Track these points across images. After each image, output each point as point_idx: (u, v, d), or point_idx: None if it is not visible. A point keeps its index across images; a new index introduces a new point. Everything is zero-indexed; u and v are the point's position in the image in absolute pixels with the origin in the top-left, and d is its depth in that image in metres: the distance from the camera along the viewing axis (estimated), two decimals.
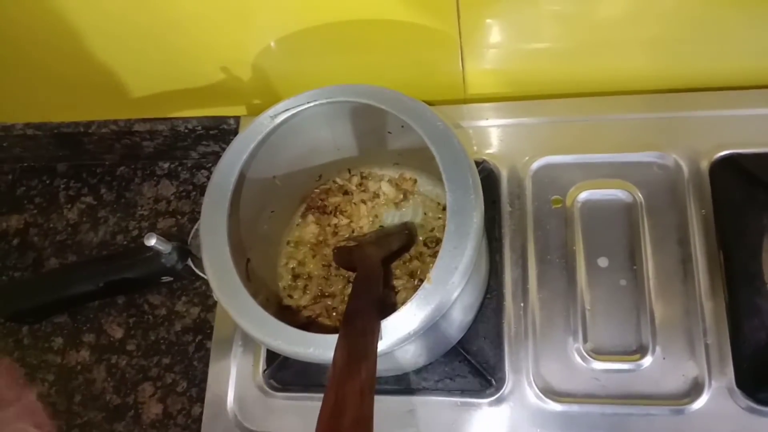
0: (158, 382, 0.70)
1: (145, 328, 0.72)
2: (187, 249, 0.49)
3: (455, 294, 0.42)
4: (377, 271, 0.51)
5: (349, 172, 0.63)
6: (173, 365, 0.70)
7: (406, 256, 0.59)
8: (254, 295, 0.52)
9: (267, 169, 0.54)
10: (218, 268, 0.46)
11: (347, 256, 0.57)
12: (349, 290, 0.58)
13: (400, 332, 0.41)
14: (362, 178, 0.63)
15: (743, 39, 0.58)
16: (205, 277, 0.46)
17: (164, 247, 0.47)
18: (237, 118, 0.72)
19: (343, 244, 0.59)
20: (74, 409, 0.70)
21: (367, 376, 0.37)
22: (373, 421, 0.34)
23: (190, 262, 0.49)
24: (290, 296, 0.60)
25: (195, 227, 0.48)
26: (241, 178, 0.50)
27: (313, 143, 0.57)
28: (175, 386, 0.69)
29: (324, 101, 0.50)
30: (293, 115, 0.51)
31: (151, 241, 0.46)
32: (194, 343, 0.71)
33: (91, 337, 0.73)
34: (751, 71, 0.61)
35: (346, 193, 0.63)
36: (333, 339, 0.41)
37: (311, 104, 0.50)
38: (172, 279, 0.50)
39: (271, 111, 0.51)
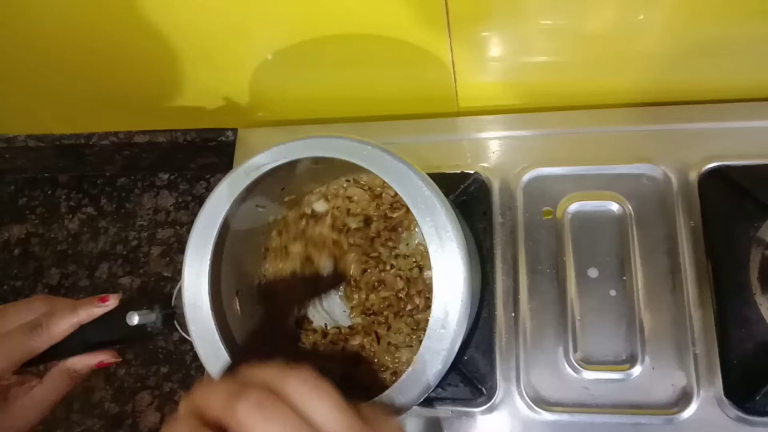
0: (156, 390, 0.71)
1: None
2: (171, 313, 0.49)
3: (444, 370, 0.42)
4: None
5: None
6: (171, 374, 0.71)
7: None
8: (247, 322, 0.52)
9: (248, 209, 0.53)
10: (202, 334, 0.47)
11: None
12: None
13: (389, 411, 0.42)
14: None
15: (733, 53, 0.59)
16: (190, 339, 0.47)
17: (148, 319, 0.48)
18: (235, 131, 0.73)
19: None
20: (73, 417, 0.71)
21: None
22: None
23: (176, 324, 0.50)
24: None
25: (178, 287, 0.49)
26: (222, 231, 0.49)
27: (295, 177, 0.55)
28: (172, 395, 0.70)
29: (300, 157, 0.48)
30: (269, 170, 0.49)
31: (134, 320, 0.46)
32: (191, 353, 0.71)
33: None
34: (740, 85, 0.62)
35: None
36: None
37: (287, 160, 0.48)
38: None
39: (246, 165, 0.49)
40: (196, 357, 0.71)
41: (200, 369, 0.69)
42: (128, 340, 0.51)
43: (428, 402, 0.56)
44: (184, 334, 0.48)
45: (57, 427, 0.71)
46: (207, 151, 0.76)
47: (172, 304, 0.50)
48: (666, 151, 0.61)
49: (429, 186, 0.44)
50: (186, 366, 0.71)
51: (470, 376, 0.56)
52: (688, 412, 0.53)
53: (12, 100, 0.74)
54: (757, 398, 0.51)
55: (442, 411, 0.56)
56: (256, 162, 0.48)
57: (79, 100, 0.73)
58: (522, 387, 0.56)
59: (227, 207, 0.48)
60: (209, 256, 0.47)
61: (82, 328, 0.47)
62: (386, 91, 0.66)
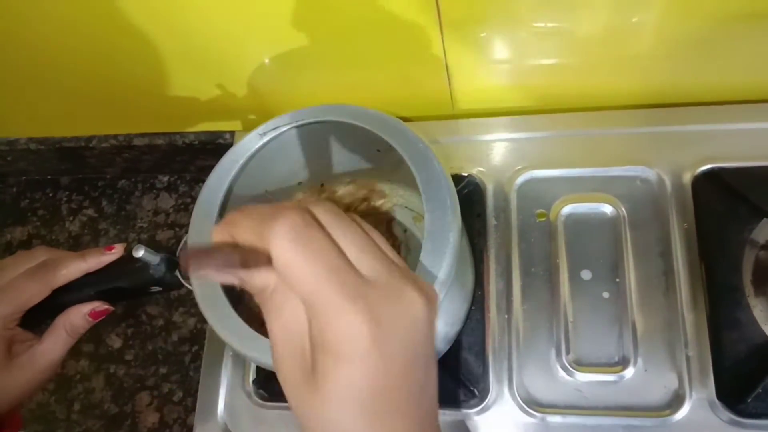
0: (155, 391, 0.71)
1: (142, 338, 0.74)
2: (175, 260, 0.50)
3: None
4: None
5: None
6: (170, 375, 0.72)
7: None
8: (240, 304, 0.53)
9: (257, 183, 0.56)
10: (205, 293, 0.47)
11: None
12: None
13: None
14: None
15: (726, 55, 0.59)
16: (191, 288, 0.47)
17: (152, 259, 0.49)
18: (232, 133, 0.74)
19: None
20: (73, 418, 0.72)
21: None
22: None
23: (178, 273, 0.51)
24: None
25: (184, 239, 0.50)
26: (231, 193, 0.51)
27: (304, 159, 0.58)
28: (171, 396, 0.71)
29: (310, 120, 0.51)
30: (282, 132, 0.52)
31: (140, 253, 0.47)
32: (190, 353, 0.72)
33: (90, 346, 0.74)
34: (733, 87, 0.62)
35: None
36: None
37: (299, 123, 0.52)
38: (161, 289, 0.52)
39: (260, 129, 0.52)
40: (194, 358, 0.71)
41: (198, 369, 0.69)
42: (131, 290, 0.52)
43: None
44: (185, 283, 0.49)
45: (57, 427, 0.72)
46: (205, 154, 0.77)
47: (177, 254, 0.51)
48: (660, 154, 0.61)
49: (423, 142, 0.48)
50: (185, 367, 0.72)
51: (463, 378, 0.56)
52: (681, 414, 0.53)
53: (13, 103, 0.75)
54: (749, 401, 0.52)
55: None
56: (270, 124, 0.51)
57: (79, 103, 0.74)
58: (515, 389, 0.56)
59: (239, 165, 0.51)
60: (215, 213, 0.49)
61: (86, 277, 0.48)
62: (381, 94, 0.67)
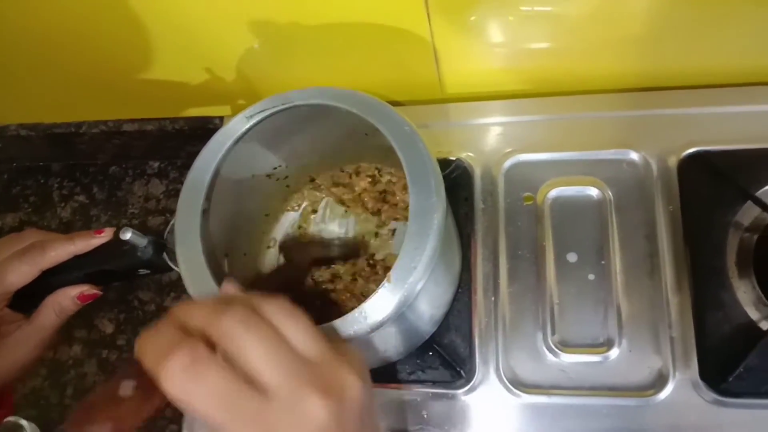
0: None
1: (135, 323, 0.74)
2: (162, 243, 0.51)
3: (415, 291, 0.43)
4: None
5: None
6: None
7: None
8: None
9: (245, 166, 0.56)
10: (191, 263, 0.47)
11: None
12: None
13: (362, 326, 0.43)
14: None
15: (713, 39, 0.59)
16: (178, 270, 0.47)
17: (140, 241, 0.49)
18: (221, 118, 0.74)
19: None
20: (66, 402, 0.72)
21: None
22: None
23: (165, 256, 0.51)
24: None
25: (171, 222, 0.50)
26: (218, 176, 0.51)
27: (293, 142, 0.58)
28: None
29: (298, 103, 0.52)
30: (269, 115, 0.52)
31: (127, 235, 0.48)
32: None
33: (83, 332, 0.75)
34: (719, 70, 0.62)
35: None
36: None
37: (285, 106, 0.52)
38: (149, 272, 0.52)
39: (247, 111, 0.52)
40: None
41: None
42: (119, 272, 0.52)
43: (408, 383, 0.58)
44: (173, 265, 0.50)
45: (51, 411, 0.72)
46: (195, 139, 0.77)
47: (164, 237, 0.51)
48: (646, 137, 0.62)
49: (409, 125, 0.48)
50: None
51: (449, 359, 0.57)
52: (664, 394, 0.53)
53: (3, 90, 0.75)
54: (731, 380, 0.52)
55: (422, 393, 0.57)
56: (257, 107, 0.52)
57: (69, 89, 0.74)
58: (501, 370, 0.56)
59: (226, 147, 0.51)
60: (203, 196, 0.49)
61: (75, 259, 0.48)
62: (370, 78, 0.67)
